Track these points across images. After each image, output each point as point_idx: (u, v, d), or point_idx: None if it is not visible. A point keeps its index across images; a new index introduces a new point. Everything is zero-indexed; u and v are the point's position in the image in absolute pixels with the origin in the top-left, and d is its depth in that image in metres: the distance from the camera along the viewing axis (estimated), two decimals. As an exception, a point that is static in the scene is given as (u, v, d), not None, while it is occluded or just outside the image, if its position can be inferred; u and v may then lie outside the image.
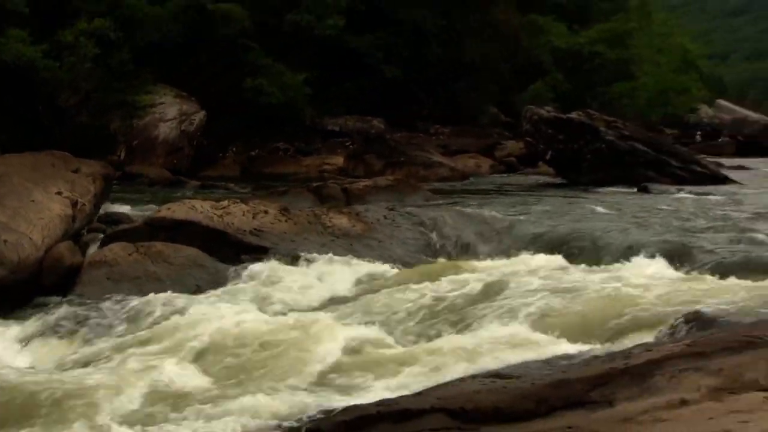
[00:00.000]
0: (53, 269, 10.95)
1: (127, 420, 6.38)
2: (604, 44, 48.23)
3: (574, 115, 25.55)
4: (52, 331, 9.35)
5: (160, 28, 28.25)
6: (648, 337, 7.50)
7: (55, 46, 24.86)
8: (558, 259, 11.51)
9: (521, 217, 14.54)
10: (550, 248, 12.28)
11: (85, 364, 8.08)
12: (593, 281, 9.79)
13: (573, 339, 7.75)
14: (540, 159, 27.35)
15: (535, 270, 10.66)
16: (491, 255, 12.13)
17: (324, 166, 30.10)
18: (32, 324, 9.50)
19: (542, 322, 8.37)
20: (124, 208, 15.45)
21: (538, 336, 7.91)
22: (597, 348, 7.36)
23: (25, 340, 9.16)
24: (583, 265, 11.07)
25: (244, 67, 31.24)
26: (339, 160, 30.43)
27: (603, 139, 24.03)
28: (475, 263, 11.48)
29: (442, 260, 12.26)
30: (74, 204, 12.49)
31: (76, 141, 23.09)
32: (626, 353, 6.11)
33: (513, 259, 11.57)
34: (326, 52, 34.65)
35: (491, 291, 9.57)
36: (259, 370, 7.47)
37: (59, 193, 12.48)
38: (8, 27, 23.68)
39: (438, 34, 38.99)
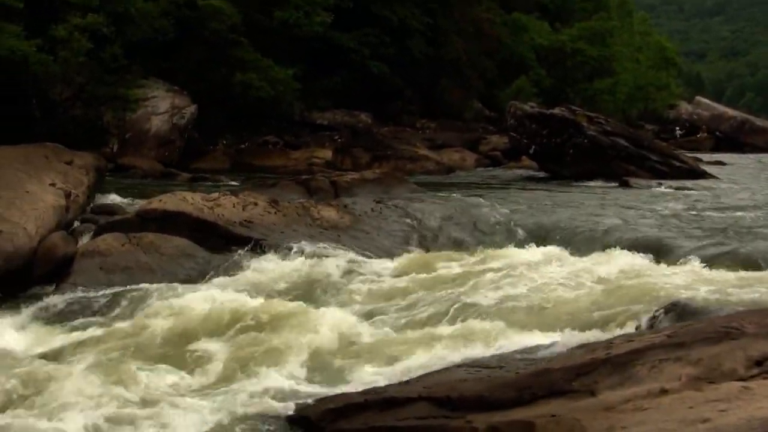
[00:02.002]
0: (47, 259, 10.90)
1: (114, 407, 6.36)
2: (585, 42, 48.32)
3: (557, 110, 25.58)
4: (46, 318, 9.32)
5: (151, 23, 28.15)
6: (629, 328, 7.51)
7: (49, 41, 24.74)
8: (541, 251, 11.50)
9: (505, 210, 14.52)
10: (533, 240, 12.29)
11: (77, 350, 8.04)
12: (575, 273, 9.81)
13: (555, 329, 7.75)
14: (524, 153, 27.40)
15: (518, 262, 10.66)
16: (476, 247, 12.11)
17: (312, 159, 30.02)
18: (26, 312, 9.45)
19: (525, 312, 8.38)
20: (117, 200, 15.38)
21: (521, 326, 7.91)
22: (579, 338, 7.36)
23: (19, 328, 9.10)
24: (565, 257, 11.06)
25: (233, 62, 31.18)
26: (327, 154, 30.38)
27: (585, 133, 24.06)
28: (460, 255, 11.47)
29: (427, 252, 12.24)
30: (68, 195, 12.45)
31: (69, 134, 22.98)
32: (608, 343, 6.11)
33: (497, 251, 11.56)
34: (314, 48, 34.59)
35: (476, 282, 9.58)
36: (248, 357, 7.45)
37: (53, 185, 12.44)
38: (2, 22, 23.54)
39: (423, 32, 38.99)
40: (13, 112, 24.27)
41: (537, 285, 9.23)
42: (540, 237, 12.57)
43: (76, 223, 12.63)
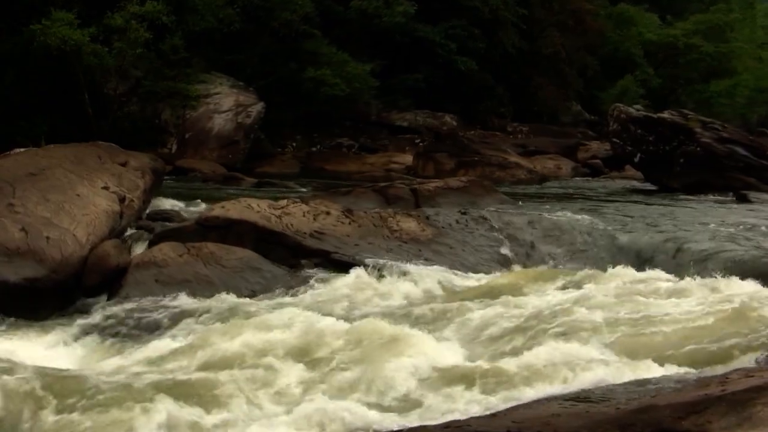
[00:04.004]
0: (98, 269, 11.03)
1: (169, 427, 6.46)
2: (700, 37, 47.74)
3: (666, 114, 25.31)
4: (96, 335, 9.47)
5: (215, 12, 28.39)
6: (746, 362, 7.40)
7: (104, 30, 25.08)
8: (645, 274, 11.40)
9: (605, 227, 14.42)
10: (636, 261, 12.19)
11: (130, 367, 8.15)
12: (685, 299, 9.68)
13: (661, 361, 7.67)
14: (627, 162, 27.16)
15: (619, 285, 10.57)
16: (572, 266, 12.05)
17: (390, 164, 30.13)
18: (75, 327, 9.62)
19: (627, 341, 8.30)
20: (175, 206, 15.54)
21: (623, 357, 7.84)
22: (688, 372, 7.28)
23: (68, 343, 9.28)
24: (673, 281, 10.93)
25: (305, 56, 31.29)
26: (407, 159, 30.46)
27: (698, 141, 23.77)
28: (555, 274, 11.41)
29: (517, 270, 12.21)
30: (122, 199, 12.61)
31: (123, 132, 23.37)
32: (723, 378, 6.04)
33: (595, 272, 11.47)
34: (394, 42, 34.65)
35: (572, 306, 9.50)
36: (319, 381, 7.50)
37: (106, 188, 12.61)
38: (54, 9, 23.94)
39: (517, 24, 38.89)
40: (63, 109, 24.75)
41: (640, 311, 9.13)
42: (644, 257, 12.47)
43: (130, 231, 12.79)
